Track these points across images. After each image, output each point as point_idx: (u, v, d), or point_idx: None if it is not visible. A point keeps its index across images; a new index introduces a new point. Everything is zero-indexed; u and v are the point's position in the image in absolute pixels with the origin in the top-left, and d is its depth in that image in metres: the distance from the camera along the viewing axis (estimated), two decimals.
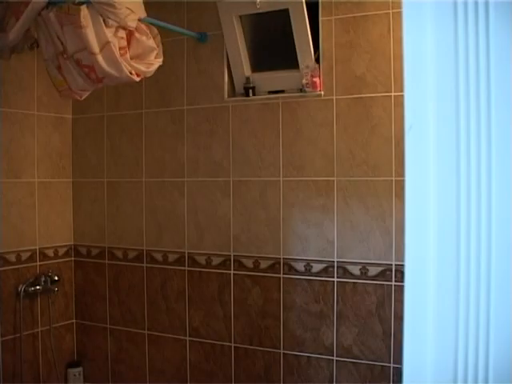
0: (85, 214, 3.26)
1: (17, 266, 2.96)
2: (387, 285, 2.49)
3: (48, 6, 2.27)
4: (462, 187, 0.59)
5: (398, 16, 2.40)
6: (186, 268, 2.96)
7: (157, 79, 2.82)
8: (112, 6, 2.21)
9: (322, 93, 2.60)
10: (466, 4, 0.59)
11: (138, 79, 2.41)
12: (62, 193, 3.23)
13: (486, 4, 0.58)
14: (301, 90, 2.66)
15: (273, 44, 2.79)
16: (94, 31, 2.23)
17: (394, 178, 2.46)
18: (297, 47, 2.60)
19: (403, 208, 0.63)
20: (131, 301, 3.12)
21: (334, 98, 2.59)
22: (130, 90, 3.03)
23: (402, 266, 2.35)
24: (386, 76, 2.47)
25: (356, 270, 2.55)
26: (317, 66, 2.59)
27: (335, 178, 2.59)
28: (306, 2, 2.50)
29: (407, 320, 0.63)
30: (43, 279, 3.04)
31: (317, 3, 2.59)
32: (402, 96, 0.63)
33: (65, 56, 2.34)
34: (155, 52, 2.45)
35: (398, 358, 2.44)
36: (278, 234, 2.71)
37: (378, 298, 2.51)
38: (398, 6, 2.39)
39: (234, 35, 2.72)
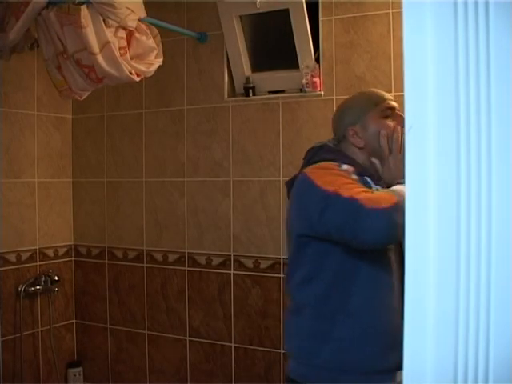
0: (85, 214, 3.26)
1: (17, 266, 2.96)
2: None
3: (48, 5, 2.27)
4: (462, 187, 0.59)
5: (398, 16, 2.40)
6: (186, 268, 2.96)
7: (157, 79, 2.81)
8: (112, 5, 2.21)
9: (322, 93, 2.60)
10: (465, 4, 0.59)
11: (138, 79, 2.41)
12: (62, 193, 3.23)
13: (486, 4, 0.58)
14: (301, 90, 2.66)
15: (273, 44, 2.79)
16: (94, 31, 2.23)
17: None
18: (297, 47, 2.60)
19: None
20: (131, 301, 3.12)
21: (334, 98, 2.58)
22: (130, 89, 3.03)
23: None
24: (386, 76, 2.47)
25: None
26: (317, 65, 2.59)
27: None
28: (306, 2, 2.50)
29: (407, 320, 0.63)
30: (43, 279, 3.04)
31: (317, 3, 2.59)
32: (402, 96, 0.63)
33: (65, 56, 2.34)
34: (155, 52, 2.45)
35: None
36: (278, 233, 2.71)
37: None
38: (398, 5, 2.38)
39: (234, 35, 2.72)
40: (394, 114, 1.69)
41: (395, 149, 1.63)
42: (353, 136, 1.68)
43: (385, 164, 1.66)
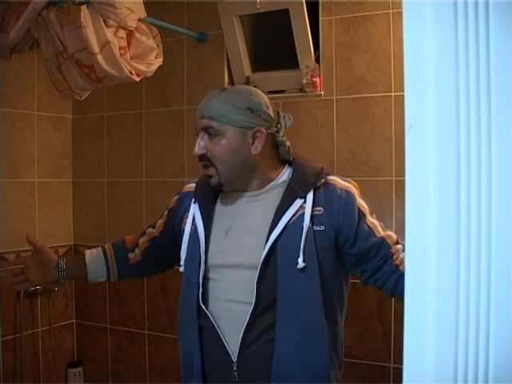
0: (85, 214, 3.26)
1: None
2: None
3: (48, 6, 2.26)
4: (462, 187, 0.59)
5: (398, 16, 2.40)
6: None
7: (157, 79, 2.81)
8: (112, 5, 2.21)
9: (322, 93, 2.60)
10: (465, 4, 0.59)
11: (138, 79, 2.41)
12: (62, 193, 3.23)
13: (486, 4, 0.58)
14: (301, 90, 2.66)
15: (273, 44, 2.78)
16: (94, 31, 2.23)
17: (394, 178, 2.46)
18: (297, 47, 2.60)
19: (403, 208, 0.63)
20: (131, 301, 3.12)
21: (334, 97, 2.58)
22: (129, 90, 3.03)
23: None
24: (386, 76, 2.46)
25: None
26: (317, 65, 2.59)
27: None
28: (306, 2, 2.50)
29: (407, 320, 0.63)
30: None
31: (317, 3, 2.59)
32: (402, 96, 0.63)
33: (65, 56, 2.34)
34: (155, 52, 2.45)
35: (398, 358, 2.44)
36: None
37: (377, 298, 2.51)
38: (398, 5, 2.38)
39: (234, 35, 2.72)
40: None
41: None
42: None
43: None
